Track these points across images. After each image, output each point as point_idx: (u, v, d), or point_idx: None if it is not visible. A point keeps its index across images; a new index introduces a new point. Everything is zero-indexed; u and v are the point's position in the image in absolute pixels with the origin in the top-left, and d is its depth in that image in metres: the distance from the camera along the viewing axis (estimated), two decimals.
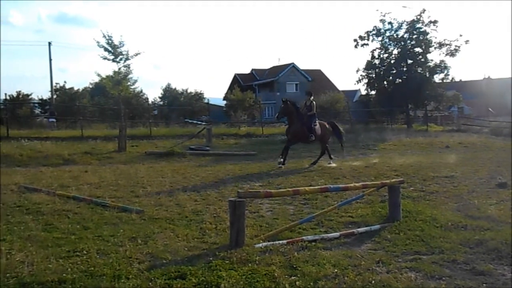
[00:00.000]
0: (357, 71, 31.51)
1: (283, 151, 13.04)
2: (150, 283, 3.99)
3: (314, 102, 13.54)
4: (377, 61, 30.78)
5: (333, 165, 13.21)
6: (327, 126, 13.97)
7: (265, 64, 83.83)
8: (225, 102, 44.94)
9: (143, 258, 4.73)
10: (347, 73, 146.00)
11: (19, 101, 39.81)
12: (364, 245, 5.34)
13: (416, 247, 5.15)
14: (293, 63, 54.24)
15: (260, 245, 5.15)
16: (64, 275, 4.13)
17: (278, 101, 51.12)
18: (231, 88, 48.57)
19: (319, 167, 12.99)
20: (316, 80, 53.19)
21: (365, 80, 31.35)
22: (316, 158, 13.89)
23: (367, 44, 30.69)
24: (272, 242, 5.23)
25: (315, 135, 13.12)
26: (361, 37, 30.63)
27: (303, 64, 64.03)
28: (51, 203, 7.59)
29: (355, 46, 31.00)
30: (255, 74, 56.00)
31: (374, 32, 30.29)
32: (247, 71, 58.10)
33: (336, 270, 4.35)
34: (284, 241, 5.28)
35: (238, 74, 56.06)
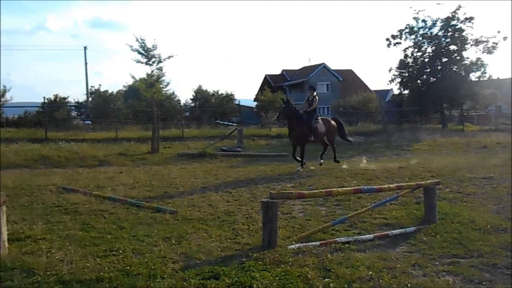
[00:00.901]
0: (390, 70, 30.98)
1: (295, 159, 12.60)
2: (185, 283, 4.04)
3: (316, 98, 12.83)
4: (410, 60, 30.15)
5: (321, 161, 12.91)
6: (331, 122, 13.24)
7: (296, 64, 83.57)
8: (255, 103, 45.03)
9: (177, 258, 4.79)
10: (379, 73, 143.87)
11: (57, 104, 41.15)
12: (399, 247, 5.25)
13: (453, 250, 5.02)
14: (323, 63, 53.83)
15: (293, 246, 5.14)
16: (101, 273, 4.23)
17: None
18: (261, 89, 48.61)
19: (351, 168, 12.82)
20: (347, 80, 52.65)
21: (398, 80, 30.77)
22: (336, 157, 13.37)
23: (399, 43, 30.12)
24: (305, 244, 5.21)
25: (316, 135, 12.41)
26: (393, 36, 30.09)
27: (334, 64, 63.56)
28: (88, 203, 7.79)
29: (388, 45, 30.48)
30: (286, 74, 55.89)
31: (407, 30, 29.69)
32: (277, 72, 58.08)
33: (370, 273, 4.29)
34: (317, 243, 5.25)
35: (268, 75, 56.10)
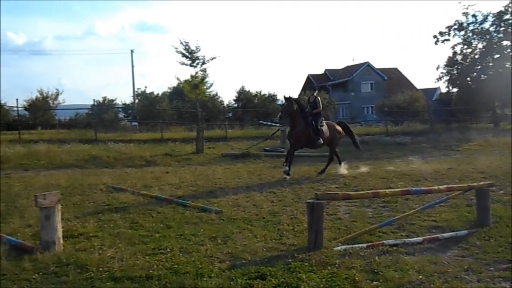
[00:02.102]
0: (437, 68, 30.09)
1: (286, 157, 11.37)
2: (231, 283, 4.07)
3: (319, 98, 11.75)
4: (459, 57, 29.13)
5: (345, 172, 11.70)
6: (336, 127, 12.10)
7: (339, 64, 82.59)
8: None
9: (224, 257, 4.83)
10: (426, 71, 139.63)
11: (105, 106, 42.57)
12: (450, 251, 5.06)
13: (509, 255, 4.78)
14: (367, 62, 52.93)
15: (339, 248, 5.07)
16: (150, 271, 4.33)
17: (352, 101, 50.34)
18: (304, 89, 48.39)
19: (398, 169, 12.53)
20: (392, 79, 51.50)
21: (446, 77, 29.83)
22: (339, 162, 12.12)
23: (448, 40, 29.20)
24: (351, 246, 5.13)
25: (323, 138, 11.38)
26: (441, 33, 29.19)
27: (379, 63, 62.30)
28: (136, 202, 8.02)
29: (435, 43, 29.61)
30: (329, 74, 55.36)
31: (456, 26, 28.72)
32: (320, 71, 57.62)
33: (420, 277, 4.17)
34: (364, 245, 5.15)
35: (311, 75, 55.75)
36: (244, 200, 8.20)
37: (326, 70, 56.54)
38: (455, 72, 29.31)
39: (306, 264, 4.52)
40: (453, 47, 29.21)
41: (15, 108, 31.02)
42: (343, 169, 11.89)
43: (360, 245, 5.15)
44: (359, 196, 6.35)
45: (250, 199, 8.29)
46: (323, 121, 11.65)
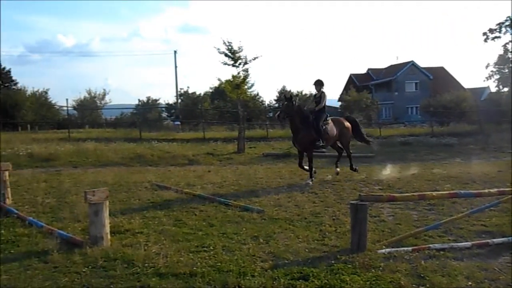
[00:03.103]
0: (487, 66, 29.09)
1: (301, 166, 10.63)
2: (274, 282, 4.07)
3: (325, 93, 10.68)
4: (511, 55, 27.93)
5: (338, 169, 11.11)
6: (345, 123, 11.21)
7: (382, 63, 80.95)
8: (340, 103, 44.36)
9: (266, 257, 4.84)
10: (474, 70, 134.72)
11: (149, 106, 43.56)
12: (501, 257, 4.85)
13: None
14: (412, 61, 51.61)
15: (383, 250, 4.97)
16: (194, 268, 4.40)
17: (396, 101, 49.22)
18: (346, 88, 47.82)
19: (444, 171, 12.15)
20: (438, 78, 50.00)
21: (497, 76, 28.69)
22: (336, 163, 11.45)
23: (498, 37, 28.08)
24: (396, 249, 5.01)
25: (327, 139, 10.44)
26: (491, 30, 28.10)
27: (424, 62, 60.59)
28: (180, 200, 8.17)
29: (485, 40, 28.55)
30: (371, 73, 54.41)
31: (507, 23, 27.53)
32: (363, 71, 56.71)
33: (470, 283, 4.02)
34: (409, 248, 5.02)
35: (353, 74, 54.99)
36: (285, 200, 8.18)
37: (368, 69, 55.60)
38: (507, 70, 28.11)
39: (350, 266, 4.46)
40: (504, 45, 28.04)
41: (65, 108, 32.28)
42: (335, 173, 11.10)
43: (405, 248, 5.03)
44: (404, 198, 6.20)
45: (292, 199, 8.27)
46: (328, 118, 10.64)
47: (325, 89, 10.75)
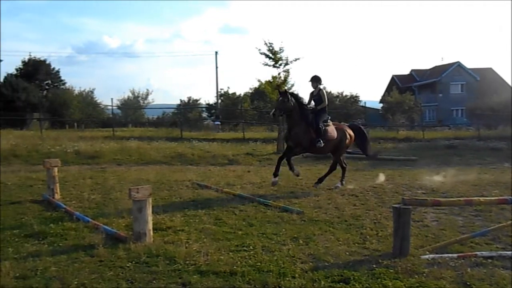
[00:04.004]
0: None
1: (277, 165, 9.46)
2: (314, 284, 4.04)
3: (324, 91, 9.71)
4: None
5: (338, 188, 9.63)
6: (347, 130, 9.93)
7: (426, 64, 78.88)
8: (381, 104, 43.56)
9: (306, 258, 4.81)
10: None
11: (190, 106, 44.25)
12: None
13: None
14: (458, 61, 49.98)
15: (427, 256, 4.83)
16: (234, 267, 4.43)
17: (440, 103, 47.82)
18: (388, 90, 46.88)
19: (491, 176, 11.69)
20: (485, 80, 48.13)
21: None
22: (341, 179, 9.99)
23: None
24: (440, 255, 4.87)
25: (326, 140, 9.35)
26: None
27: (471, 63, 58.56)
28: (220, 199, 8.25)
29: None
30: (415, 75, 53.09)
31: None
32: (405, 72, 55.45)
33: None
34: (454, 255, 4.87)
35: (396, 76, 53.82)
36: (325, 202, 8.11)
37: (412, 70, 54.30)
38: None
39: (392, 271, 4.37)
40: None
41: (110, 107, 33.27)
42: (338, 186, 9.76)
43: (450, 255, 4.87)
44: (449, 203, 6.01)
45: (332, 201, 8.19)
46: (328, 120, 9.65)
47: (322, 85, 9.83)
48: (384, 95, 46.38)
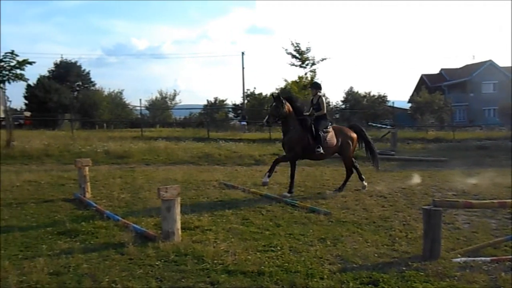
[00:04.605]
0: None
1: (271, 167, 9.05)
2: (343, 286, 4.01)
3: (323, 98, 9.41)
4: None
5: (366, 188, 9.45)
6: (349, 133, 9.52)
7: (456, 63, 77.19)
8: (410, 104, 42.88)
9: (333, 259, 4.78)
10: None
11: (216, 106, 44.52)
12: None
13: None
14: (490, 60, 48.64)
15: (458, 259, 4.73)
16: (262, 267, 4.44)
17: (471, 103, 46.67)
18: (417, 89, 46.08)
19: None
20: None
21: None
22: (359, 178, 9.69)
23: None
24: (472, 258, 4.76)
25: (326, 147, 8.97)
26: None
27: (504, 61, 56.97)
28: (247, 199, 8.27)
29: None
30: (445, 74, 51.94)
31: None
32: (435, 71, 54.35)
33: None
34: (488, 258, 4.75)
35: (425, 75, 52.80)
36: (353, 203, 8.04)
37: (441, 69, 53.17)
38: None
39: (422, 274, 4.29)
40: None
41: (138, 108, 33.82)
42: (364, 184, 9.56)
43: (483, 258, 4.76)
44: (482, 205, 5.85)
45: (360, 202, 8.10)
46: (329, 126, 9.25)
47: (322, 92, 9.36)
48: (412, 94, 45.59)
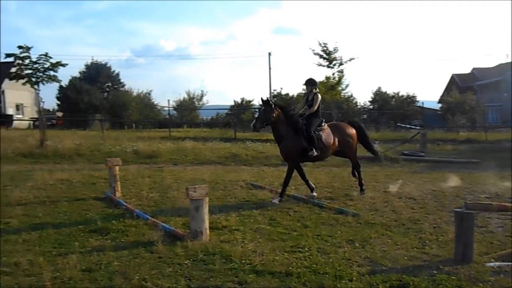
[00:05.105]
0: None
1: (283, 187, 8.46)
2: None
3: (318, 95, 8.68)
4: None
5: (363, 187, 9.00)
6: (347, 129, 8.97)
7: (489, 62, 75.19)
8: (440, 105, 42.02)
9: (362, 261, 4.73)
10: None
11: (243, 107, 44.65)
12: None
13: None
14: None
15: (492, 264, 4.61)
16: (290, 268, 4.43)
17: (504, 103, 45.27)
18: (447, 89, 45.12)
19: None
20: None
21: None
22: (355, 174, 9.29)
23: None
24: (506, 263, 4.62)
25: (322, 148, 8.40)
26: None
27: None
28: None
29: None
30: (476, 73, 50.65)
31: None
32: (466, 70, 53.10)
33: None
34: None
35: (456, 75, 51.63)
36: (381, 204, 7.93)
37: (473, 69, 51.87)
38: None
39: (454, 278, 4.20)
40: None
41: (166, 108, 34.25)
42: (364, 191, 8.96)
43: None
44: None
45: (388, 204, 7.99)
46: (323, 124, 8.67)
47: (316, 90, 8.82)
48: (443, 95, 44.67)
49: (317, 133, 8.38)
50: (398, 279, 4.16)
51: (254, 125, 8.28)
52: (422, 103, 36.30)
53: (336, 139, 8.70)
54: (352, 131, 9.05)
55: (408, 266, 4.62)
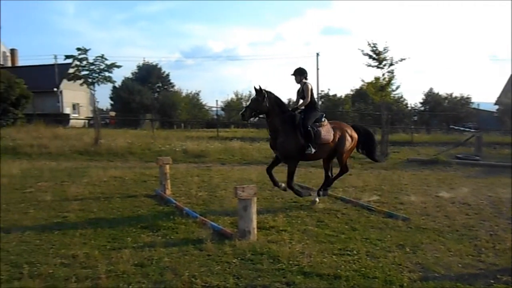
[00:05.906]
0: None
1: (293, 190, 7.94)
2: None
3: (309, 85, 7.77)
4: None
5: (317, 200, 8.02)
6: (348, 130, 8.14)
7: None
8: (497, 106, 40.15)
9: (413, 267, 4.61)
10: None
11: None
12: None
13: None
14: None
15: None
16: (338, 271, 4.39)
17: None
18: (505, 90, 43.02)
19: None
20: None
21: None
22: (322, 186, 8.47)
23: None
24: None
25: (320, 144, 7.64)
26: None
27: None
28: (322, 202, 8.15)
29: None
30: None
31: None
32: None
33: None
34: None
35: None
36: (433, 209, 7.68)
37: None
38: None
39: None
40: None
41: (214, 108, 34.73)
42: (317, 198, 8.11)
43: None
44: None
45: (441, 208, 7.72)
46: (323, 119, 7.89)
47: (308, 79, 7.90)
48: (500, 96, 42.63)
49: (315, 128, 7.64)
50: (452, 286, 4.03)
51: (243, 114, 7.49)
52: (478, 104, 34.89)
53: (336, 138, 7.94)
54: (354, 134, 8.30)
55: (463, 274, 4.46)
